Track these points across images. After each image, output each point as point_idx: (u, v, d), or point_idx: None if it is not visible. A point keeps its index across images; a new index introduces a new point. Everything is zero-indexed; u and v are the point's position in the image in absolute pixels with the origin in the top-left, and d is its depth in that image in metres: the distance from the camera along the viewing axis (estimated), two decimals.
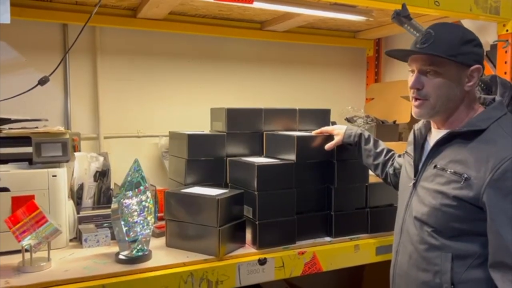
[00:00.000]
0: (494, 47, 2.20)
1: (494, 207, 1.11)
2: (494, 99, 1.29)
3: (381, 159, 1.71)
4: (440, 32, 1.23)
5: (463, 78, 1.23)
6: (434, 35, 1.22)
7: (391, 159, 1.70)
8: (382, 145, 1.75)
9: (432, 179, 1.26)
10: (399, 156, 1.66)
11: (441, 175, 1.23)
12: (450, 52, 1.19)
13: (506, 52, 2.13)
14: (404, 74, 2.83)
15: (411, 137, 1.43)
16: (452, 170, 1.20)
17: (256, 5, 1.69)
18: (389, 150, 1.73)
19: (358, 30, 2.91)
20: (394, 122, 2.67)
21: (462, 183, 1.16)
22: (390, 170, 1.67)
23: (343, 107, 2.77)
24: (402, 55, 1.33)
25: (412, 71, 1.28)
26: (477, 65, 1.22)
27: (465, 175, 1.16)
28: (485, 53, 2.22)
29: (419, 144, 1.37)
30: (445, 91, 1.22)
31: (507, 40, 2.13)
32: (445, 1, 1.92)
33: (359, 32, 2.94)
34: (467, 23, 2.25)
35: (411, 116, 2.54)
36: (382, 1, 1.81)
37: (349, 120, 2.68)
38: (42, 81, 1.60)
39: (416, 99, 1.27)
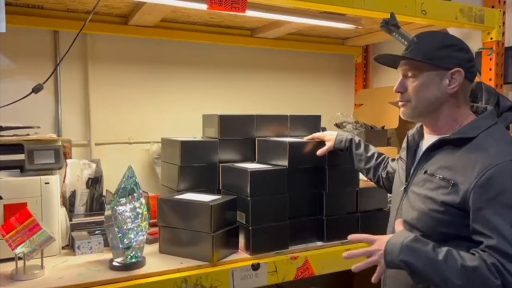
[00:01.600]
0: (479, 54, 2.26)
1: (476, 212, 1.14)
2: (486, 108, 1.33)
3: (372, 163, 1.74)
4: (421, 39, 1.30)
5: (443, 81, 1.26)
6: (416, 41, 1.30)
7: (383, 163, 1.73)
8: (373, 149, 1.78)
9: (422, 184, 1.29)
10: (393, 160, 1.69)
11: (431, 181, 1.26)
12: (426, 56, 1.26)
13: (490, 59, 2.19)
14: (392, 80, 2.86)
15: (405, 142, 1.46)
16: (441, 176, 1.23)
17: (248, 13, 1.71)
18: (380, 154, 1.76)
19: (347, 37, 2.95)
20: (383, 127, 2.72)
21: (449, 188, 1.19)
22: (383, 174, 1.70)
23: (332, 113, 2.80)
24: (390, 61, 1.40)
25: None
26: (457, 68, 1.25)
27: (453, 181, 1.19)
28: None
29: (412, 149, 1.40)
30: (424, 94, 1.28)
31: (491, 48, 2.19)
32: (432, 10, 1.97)
33: (348, 39, 2.99)
34: (452, 31, 2.31)
35: (400, 121, 2.61)
36: (371, 10, 1.85)
37: (339, 126, 2.72)
38: (36, 89, 1.60)
39: (400, 101, 1.35)
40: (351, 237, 1.32)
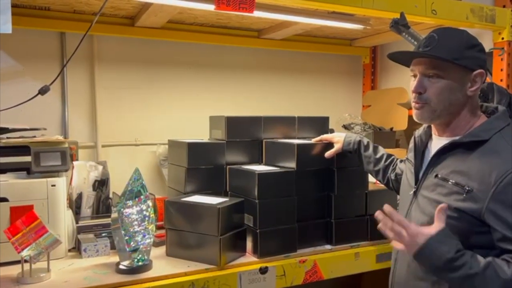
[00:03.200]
0: (490, 54, 2.23)
1: (498, 219, 1.11)
2: (497, 108, 1.29)
3: (381, 164, 1.71)
4: (444, 36, 1.22)
5: (466, 82, 1.22)
6: (437, 38, 1.21)
7: (392, 164, 1.70)
8: (382, 150, 1.75)
9: (433, 188, 1.25)
10: (401, 161, 1.66)
11: (443, 185, 1.22)
12: (453, 55, 1.18)
13: (502, 59, 2.16)
14: (400, 81, 2.87)
15: (411, 143, 1.42)
16: (453, 181, 1.19)
17: (256, 13, 1.69)
18: (389, 156, 1.73)
19: (355, 38, 2.93)
20: (391, 129, 2.69)
21: (464, 195, 1.15)
22: (392, 176, 1.67)
23: (340, 114, 2.78)
24: (405, 59, 1.31)
25: (414, 76, 1.26)
26: (480, 69, 1.22)
27: (467, 187, 1.15)
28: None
29: (419, 151, 1.36)
30: (447, 95, 1.21)
31: (502, 48, 2.15)
32: (442, 10, 1.95)
33: (355, 40, 2.96)
34: None
35: (408, 123, 2.58)
36: (380, 10, 1.83)
37: (347, 127, 2.69)
38: (43, 91, 1.59)
39: (416, 102, 1.25)
40: (386, 207, 1.18)
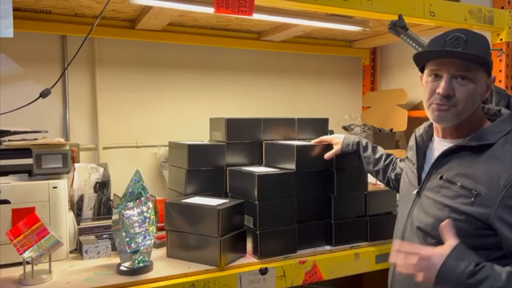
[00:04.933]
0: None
1: (507, 225, 1.10)
2: (499, 111, 1.28)
3: (381, 164, 1.72)
4: (470, 37, 1.18)
5: (484, 87, 1.22)
6: (465, 39, 1.16)
7: (392, 164, 1.70)
8: (381, 150, 1.76)
9: (437, 190, 1.24)
10: (401, 160, 1.66)
11: (448, 188, 1.21)
12: (482, 58, 1.16)
13: (500, 61, 2.17)
14: (400, 82, 2.88)
15: (412, 142, 1.41)
16: (460, 184, 1.18)
17: (255, 16, 1.71)
18: (388, 155, 1.73)
19: (354, 39, 2.94)
20: (391, 130, 2.69)
21: (472, 199, 1.14)
22: (392, 175, 1.68)
23: (340, 116, 2.78)
24: (422, 59, 1.25)
25: (435, 76, 1.22)
26: (494, 74, 1.24)
27: (475, 191, 1.14)
28: None
29: (421, 150, 1.35)
30: (474, 99, 1.19)
31: (501, 49, 2.16)
32: (440, 12, 1.95)
33: (355, 42, 2.97)
34: None
35: (408, 124, 2.59)
36: (379, 12, 1.83)
37: (346, 129, 2.70)
38: (44, 94, 1.60)
39: (441, 104, 1.20)
40: (395, 245, 1.15)
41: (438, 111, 1.21)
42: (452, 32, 1.21)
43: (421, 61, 1.27)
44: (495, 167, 1.14)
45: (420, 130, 1.40)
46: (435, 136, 1.34)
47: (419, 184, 1.32)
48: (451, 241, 1.09)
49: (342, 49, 3.01)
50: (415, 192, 1.32)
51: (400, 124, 2.65)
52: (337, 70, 3.08)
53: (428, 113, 1.26)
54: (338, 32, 2.66)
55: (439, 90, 1.19)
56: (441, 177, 1.24)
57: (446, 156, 1.25)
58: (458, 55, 1.17)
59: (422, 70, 1.30)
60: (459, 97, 1.18)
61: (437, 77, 1.22)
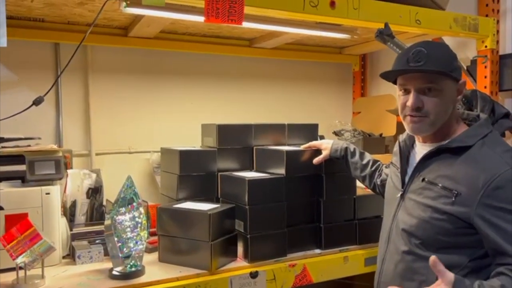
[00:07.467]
0: (474, 62, 2.29)
1: (487, 223, 1.15)
2: (478, 116, 1.34)
3: (367, 170, 1.76)
4: (431, 49, 1.24)
5: (455, 92, 1.27)
6: (426, 53, 1.22)
7: (378, 170, 1.75)
8: (368, 156, 1.80)
9: (420, 192, 1.29)
10: (386, 166, 1.70)
11: (430, 189, 1.26)
12: (447, 68, 1.22)
13: (485, 67, 2.22)
14: (389, 88, 2.91)
15: (396, 147, 1.47)
16: (441, 185, 1.23)
17: (244, 25, 1.74)
18: (375, 161, 1.78)
19: (344, 46, 2.99)
20: (381, 135, 2.74)
21: (453, 198, 1.19)
22: (378, 181, 1.72)
23: (330, 121, 2.82)
24: (392, 75, 1.33)
25: (405, 90, 1.28)
26: (463, 79, 1.28)
27: (456, 191, 1.19)
28: (465, 68, 2.31)
29: (404, 155, 1.40)
30: (444, 107, 1.25)
31: (486, 56, 2.21)
32: (426, 20, 2.00)
33: (345, 48, 3.02)
34: (448, 39, 2.34)
35: (397, 129, 2.63)
36: (366, 21, 1.88)
37: (337, 134, 2.74)
38: (37, 101, 1.63)
39: (413, 116, 1.26)
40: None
41: (412, 123, 1.28)
42: (414, 47, 1.27)
43: (390, 78, 1.35)
44: (474, 168, 1.20)
45: (403, 136, 1.45)
46: (416, 142, 1.40)
47: (402, 187, 1.37)
48: (448, 277, 1.10)
49: (332, 55, 3.05)
50: (399, 195, 1.37)
51: (389, 129, 2.69)
52: (327, 76, 3.12)
53: (404, 124, 1.32)
54: (328, 39, 2.70)
55: (408, 103, 1.26)
56: (423, 179, 1.29)
57: (427, 159, 1.31)
58: (419, 71, 1.23)
59: (395, 83, 1.35)
60: (428, 109, 1.24)
61: (406, 91, 1.28)
